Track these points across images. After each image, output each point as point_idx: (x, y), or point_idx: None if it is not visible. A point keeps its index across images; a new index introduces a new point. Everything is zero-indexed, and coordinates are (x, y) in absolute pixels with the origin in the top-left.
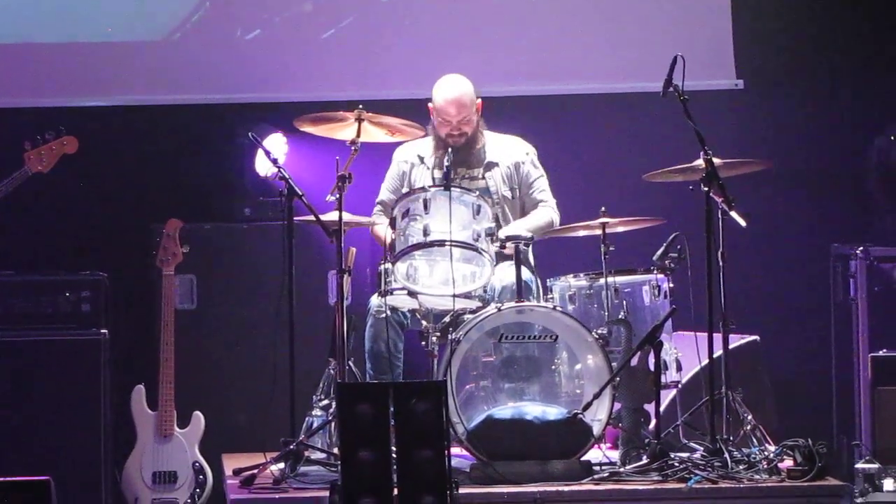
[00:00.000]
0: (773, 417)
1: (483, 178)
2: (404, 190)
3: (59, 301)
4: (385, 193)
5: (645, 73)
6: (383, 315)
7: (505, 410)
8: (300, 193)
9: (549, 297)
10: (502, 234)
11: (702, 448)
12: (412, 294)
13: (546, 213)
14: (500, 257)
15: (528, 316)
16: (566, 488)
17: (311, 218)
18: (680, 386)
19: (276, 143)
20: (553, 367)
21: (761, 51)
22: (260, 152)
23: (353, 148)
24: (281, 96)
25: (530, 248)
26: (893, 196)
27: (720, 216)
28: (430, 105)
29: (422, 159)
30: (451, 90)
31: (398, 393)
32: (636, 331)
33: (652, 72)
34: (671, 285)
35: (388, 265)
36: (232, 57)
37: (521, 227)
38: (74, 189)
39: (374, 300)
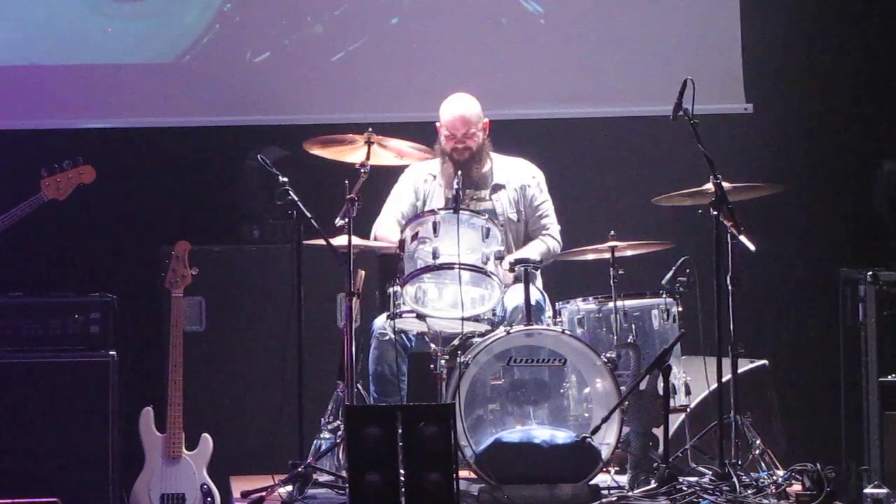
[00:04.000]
0: (782, 442)
1: (490, 199)
2: (417, 204)
3: (68, 323)
4: (393, 205)
5: (655, 97)
6: (387, 337)
7: (513, 434)
8: (309, 216)
9: (558, 320)
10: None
11: (710, 472)
12: (421, 317)
13: (540, 245)
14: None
15: (536, 339)
16: None
17: (321, 241)
18: (689, 410)
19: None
20: (562, 390)
21: (771, 75)
22: (269, 174)
23: (362, 171)
24: (290, 119)
25: (538, 272)
26: None
27: (729, 240)
28: (437, 123)
29: (433, 177)
30: (458, 105)
31: (406, 416)
32: (645, 355)
33: (662, 96)
34: (680, 309)
35: (397, 288)
36: (242, 79)
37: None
38: (83, 211)
39: (378, 322)
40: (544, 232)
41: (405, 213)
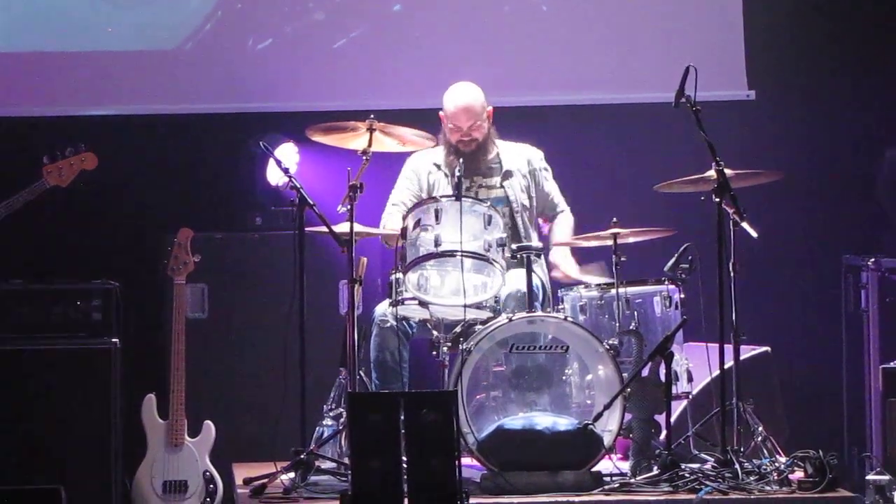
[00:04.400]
0: (784, 428)
1: (501, 186)
2: (423, 195)
3: (70, 310)
4: (398, 195)
5: (657, 84)
6: (388, 324)
7: (515, 421)
8: (311, 203)
9: (560, 307)
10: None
11: (712, 459)
12: (423, 304)
13: (568, 219)
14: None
15: (539, 326)
16: (577, 499)
17: (323, 228)
18: (691, 397)
19: (288, 152)
20: (564, 377)
21: (773, 62)
22: (271, 162)
23: (364, 158)
24: (292, 106)
25: (542, 258)
26: None
27: (731, 227)
28: (440, 113)
29: (438, 167)
30: (462, 97)
31: (409, 402)
32: (647, 341)
33: (664, 82)
34: (682, 296)
35: (399, 275)
36: (244, 66)
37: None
38: (85, 198)
39: (380, 309)
40: (558, 210)
41: (409, 205)
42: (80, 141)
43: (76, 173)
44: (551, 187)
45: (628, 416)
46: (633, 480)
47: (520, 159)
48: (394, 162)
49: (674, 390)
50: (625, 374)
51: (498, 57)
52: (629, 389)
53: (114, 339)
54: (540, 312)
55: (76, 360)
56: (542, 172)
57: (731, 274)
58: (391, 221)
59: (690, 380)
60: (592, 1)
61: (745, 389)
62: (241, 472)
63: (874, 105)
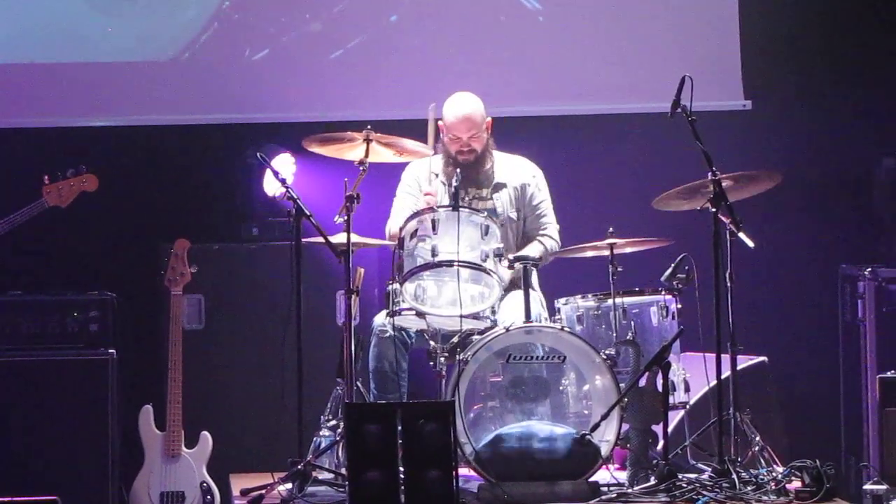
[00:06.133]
0: (782, 438)
1: (491, 198)
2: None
3: (68, 321)
4: (401, 204)
5: (653, 94)
6: (387, 335)
7: (513, 431)
8: (308, 214)
9: (557, 317)
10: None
11: (710, 469)
12: (420, 314)
13: (538, 246)
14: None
15: (536, 336)
16: None
17: (320, 238)
18: (688, 407)
19: (285, 163)
20: (561, 387)
21: (769, 71)
22: (268, 172)
23: (361, 168)
24: (289, 116)
25: (534, 273)
26: None
27: (728, 237)
28: (439, 123)
29: (436, 175)
30: (462, 107)
31: (406, 413)
32: (644, 351)
33: (660, 92)
34: (679, 306)
35: (397, 285)
36: (240, 77)
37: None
38: (83, 209)
39: (378, 319)
40: (542, 231)
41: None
42: (77, 152)
43: (76, 195)
44: (542, 206)
45: (625, 427)
46: (630, 491)
47: (513, 172)
48: (391, 172)
49: (671, 400)
50: (622, 385)
51: (494, 67)
52: (626, 399)
53: (111, 350)
54: (537, 323)
55: (73, 370)
56: (532, 189)
57: (728, 284)
58: (395, 228)
59: (687, 390)
60: (589, 12)
61: (742, 399)
62: (238, 483)
63: (870, 114)
